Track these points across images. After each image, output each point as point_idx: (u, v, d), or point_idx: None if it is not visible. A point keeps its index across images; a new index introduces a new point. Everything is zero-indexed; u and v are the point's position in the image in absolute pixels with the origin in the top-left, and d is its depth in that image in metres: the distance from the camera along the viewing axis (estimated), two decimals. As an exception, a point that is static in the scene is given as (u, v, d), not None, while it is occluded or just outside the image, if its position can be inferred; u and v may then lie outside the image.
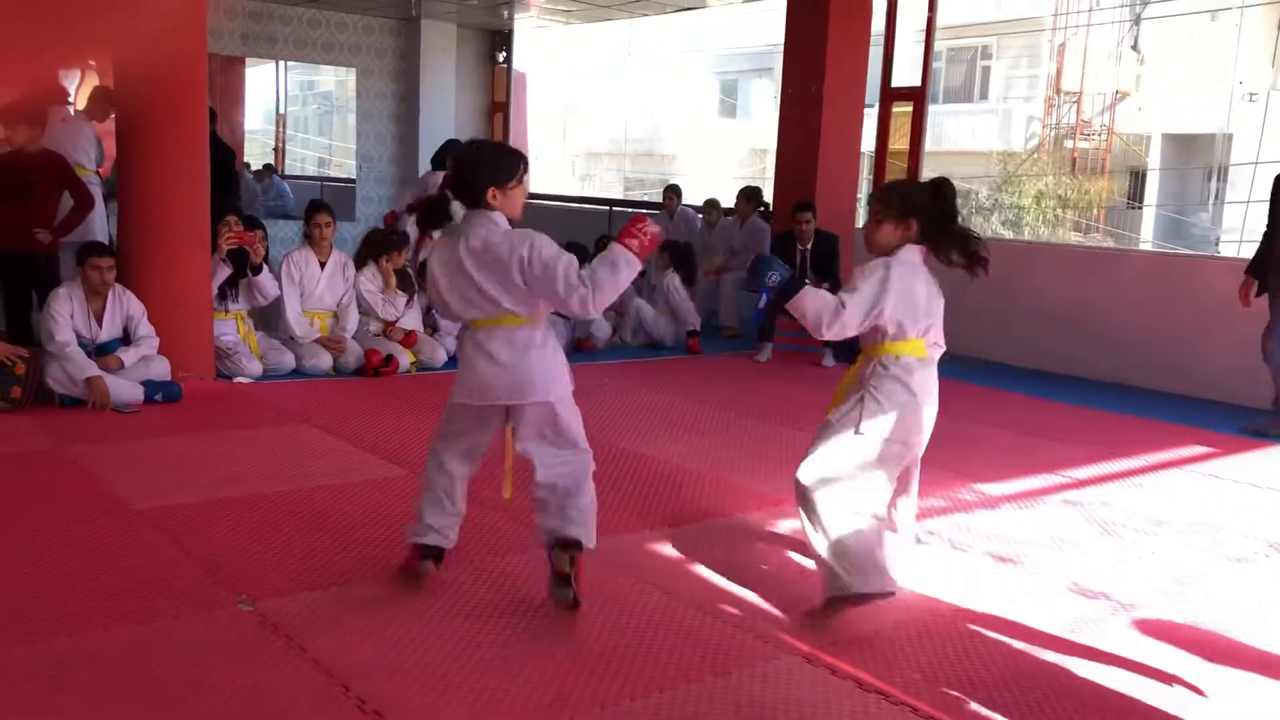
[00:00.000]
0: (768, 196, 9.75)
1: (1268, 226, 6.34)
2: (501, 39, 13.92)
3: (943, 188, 3.44)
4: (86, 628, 3.11)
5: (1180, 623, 3.55)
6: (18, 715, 2.62)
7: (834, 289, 8.49)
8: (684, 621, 3.36)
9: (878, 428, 3.42)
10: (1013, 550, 4.19)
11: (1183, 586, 3.89)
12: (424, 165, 13.06)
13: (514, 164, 3.32)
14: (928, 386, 3.53)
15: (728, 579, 3.75)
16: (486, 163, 3.30)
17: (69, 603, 3.27)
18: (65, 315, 5.69)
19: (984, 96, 24.47)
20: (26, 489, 4.38)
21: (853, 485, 3.41)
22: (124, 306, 5.93)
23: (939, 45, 9.40)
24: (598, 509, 3.49)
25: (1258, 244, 6.44)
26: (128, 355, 5.85)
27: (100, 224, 7.19)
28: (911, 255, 3.48)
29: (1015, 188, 21.94)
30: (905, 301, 3.42)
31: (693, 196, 10.71)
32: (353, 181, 13.41)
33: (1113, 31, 22.01)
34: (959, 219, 3.42)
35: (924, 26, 9.15)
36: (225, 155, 9.16)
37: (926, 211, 3.42)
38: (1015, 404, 7.01)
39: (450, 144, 9.48)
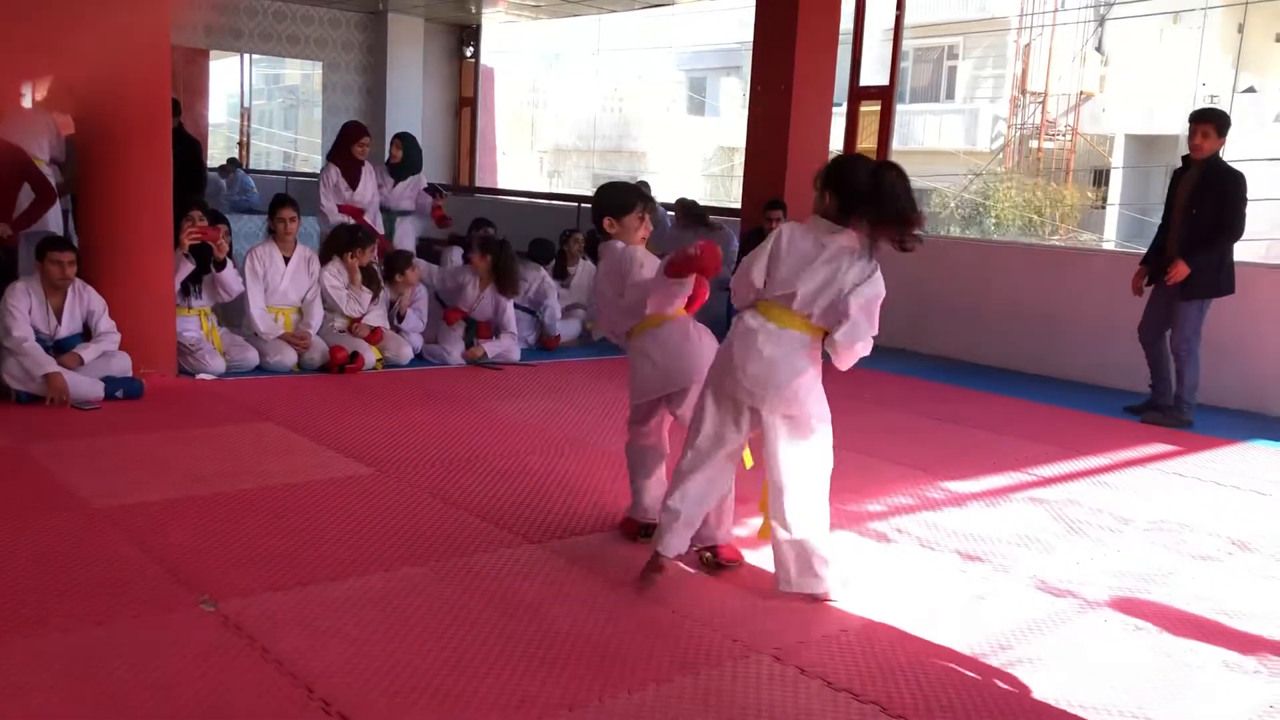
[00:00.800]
0: (736, 192, 9.75)
1: (1162, 220, 6.63)
2: (469, 33, 13.85)
3: (879, 172, 3.44)
4: (45, 630, 3.04)
5: (1147, 621, 3.58)
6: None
7: None
8: (652, 620, 3.35)
9: None
10: (980, 549, 4.20)
11: (1148, 584, 3.91)
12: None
13: (626, 201, 3.98)
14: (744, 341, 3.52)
15: (695, 578, 3.73)
16: (603, 199, 4.03)
17: (28, 604, 3.20)
18: (23, 310, 5.58)
19: (950, 96, 24.65)
20: (-18, 488, 4.29)
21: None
22: (84, 302, 5.83)
23: (906, 44, 9.43)
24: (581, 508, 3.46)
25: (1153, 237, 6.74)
26: (87, 351, 5.75)
27: (55, 217, 7.07)
28: (814, 222, 3.50)
29: (984, 189, 22.11)
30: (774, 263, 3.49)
31: (662, 194, 10.69)
32: (318, 176, 13.28)
33: (1077, 32, 22.23)
34: (898, 205, 3.41)
35: (892, 25, 9.19)
36: (191, 148, 9.02)
37: (851, 190, 3.43)
38: (983, 402, 7.05)
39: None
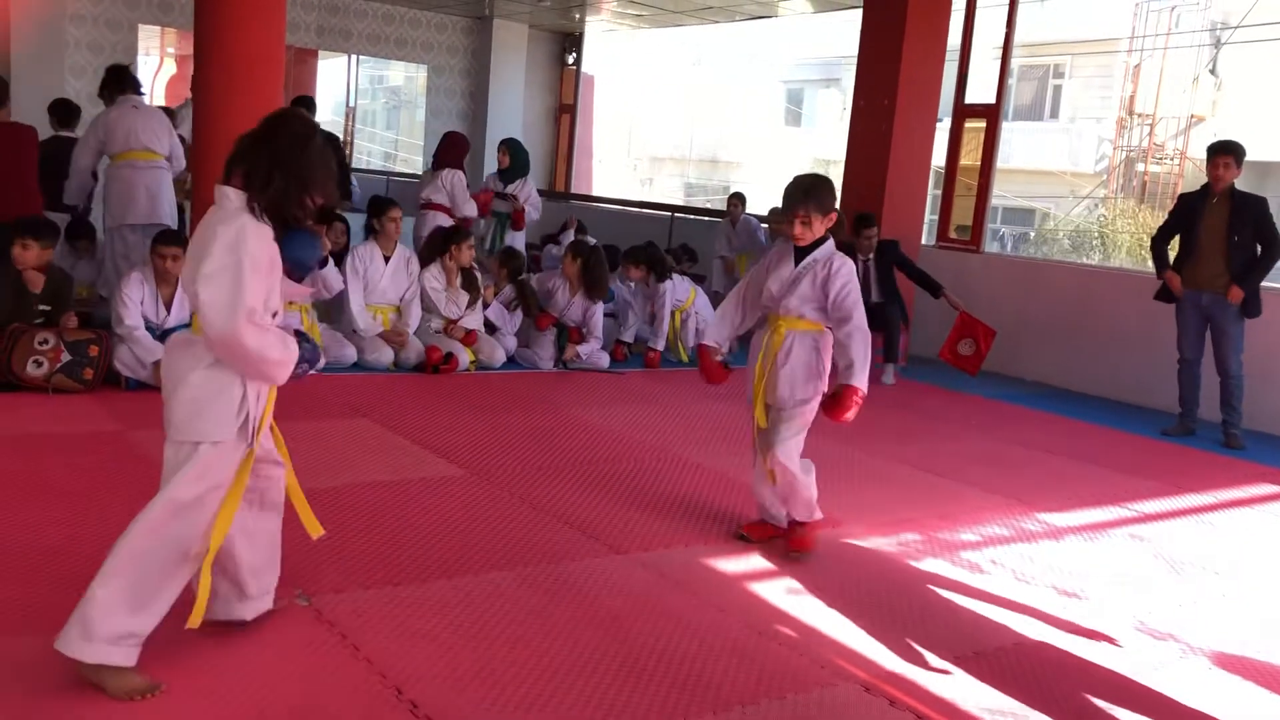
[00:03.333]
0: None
1: (1184, 245, 6.82)
2: (572, 41, 13.96)
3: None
4: (146, 614, 3.12)
5: (1257, 670, 3.44)
6: (78, 703, 2.63)
7: (894, 299, 8.39)
8: (739, 641, 3.31)
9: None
10: (1077, 584, 4.08)
11: (1256, 635, 3.76)
12: (490, 165, 13.15)
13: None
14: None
15: (783, 599, 3.69)
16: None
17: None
18: (135, 300, 5.77)
19: (1055, 116, 24.11)
20: (95, 473, 4.43)
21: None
22: (193, 293, 5.99)
23: (1012, 61, 9.23)
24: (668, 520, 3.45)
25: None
26: (193, 341, 5.91)
27: (171, 212, 7.31)
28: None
29: (1086, 211, 21.58)
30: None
31: (756, 205, 10.65)
32: (419, 177, 13.51)
33: (1191, 55, 21.58)
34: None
35: (1000, 43, 9.02)
36: (337, 148, 9.30)
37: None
38: (1080, 431, 6.86)
39: (506, 139, 9.40)
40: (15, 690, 2.66)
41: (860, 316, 3.96)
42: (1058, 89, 24.01)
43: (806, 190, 3.97)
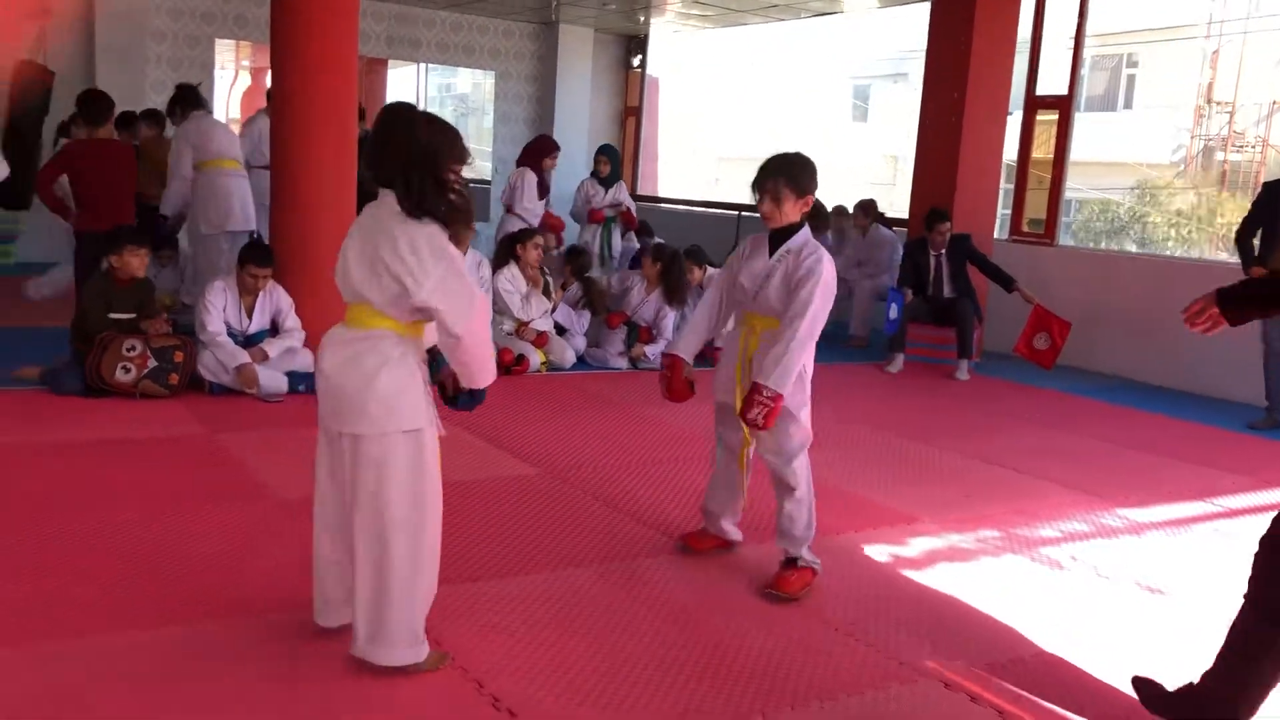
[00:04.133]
0: (903, 202, 9.58)
1: (1266, 235, 6.61)
2: (637, 43, 14.00)
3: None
4: (237, 612, 3.22)
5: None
6: (175, 684, 2.72)
7: (967, 293, 8.21)
8: (816, 638, 3.31)
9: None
10: (1161, 581, 4.01)
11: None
12: (558, 169, 13.23)
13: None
14: None
15: (859, 596, 3.68)
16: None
17: (230, 588, 3.39)
18: (218, 307, 5.92)
19: (1129, 106, 23.59)
20: (180, 474, 4.57)
21: None
22: (274, 300, 6.14)
23: (1083, 51, 9.06)
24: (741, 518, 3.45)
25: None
26: (273, 347, 6.06)
27: (248, 212, 7.46)
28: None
29: (1161, 202, 21.09)
30: None
31: (825, 201, 10.58)
32: (486, 182, 13.66)
33: (1273, 39, 20.97)
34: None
35: (1073, 33, 8.87)
36: None
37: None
38: (1160, 425, 6.72)
39: (602, 146, 9.70)
40: (116, 681, 2.76)
41: (807, 325, 3.48)
42: (1131, 78, 23.49)
43: (779, 164, 3.61)
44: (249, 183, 7.52)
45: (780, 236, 3.64)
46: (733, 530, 4.01)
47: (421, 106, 3.39)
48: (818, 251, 3.59)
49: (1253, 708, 2.73)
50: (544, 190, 8.92)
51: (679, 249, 7.91)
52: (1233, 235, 7.04)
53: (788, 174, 3.59)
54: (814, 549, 3.77)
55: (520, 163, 9.11)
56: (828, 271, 3.54)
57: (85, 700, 2.66)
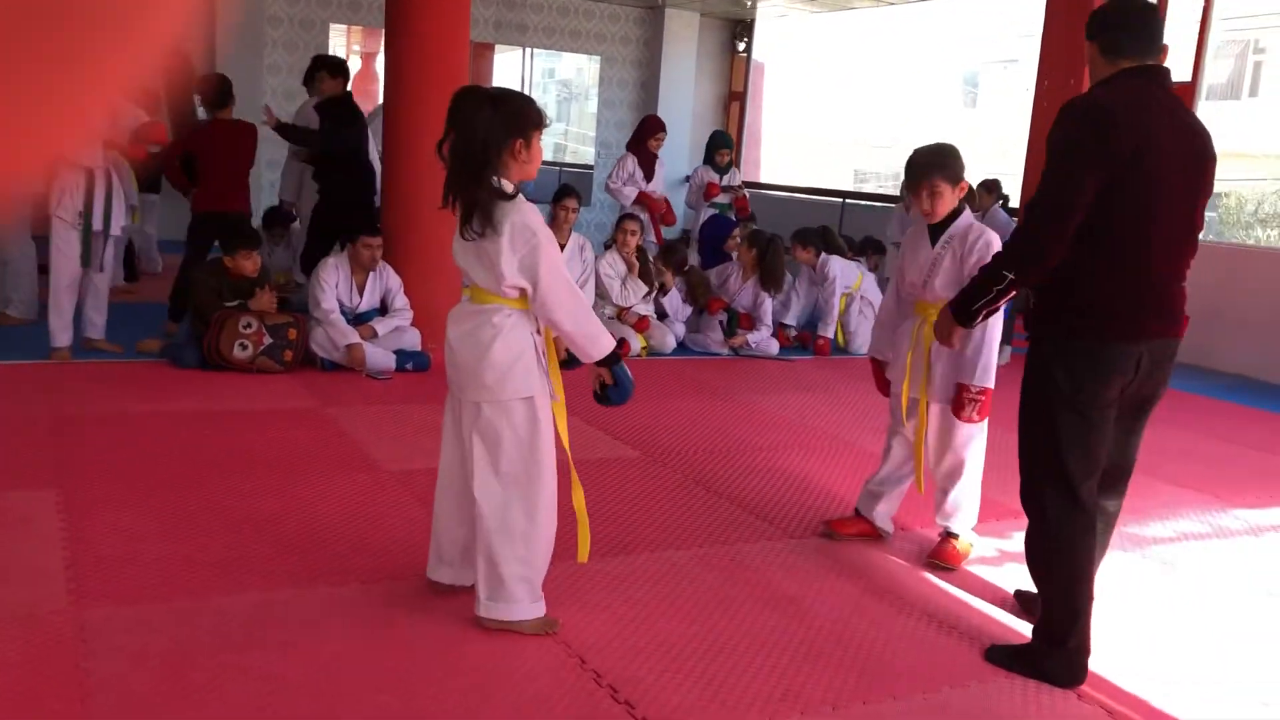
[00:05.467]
0: (1014, 191, 9.35)
1: None
2: (743, 28, 13.91)
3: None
4: (346, 579, 3.32)
5: None
6: (290, 643, 2.83)
7: None
8: (917, 631, 3.28)
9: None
10: (1279, 584, 3.87)
11: None
12: (661, 155, 13.25)
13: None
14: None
15: (962, 590, 3.63)
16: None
17: (333, 555, 3.50)
18: (332, 284, 6.09)
19: (1254, 94, 22.63)
20: (296, 445, 4.72)
21: None
22: (384, 280, 6.29)
23: (1209, 36, 8.72)
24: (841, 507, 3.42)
25: None
26: (381, 325, 6.21)
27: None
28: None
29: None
30: None
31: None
32: (589, 168, 13.74)
33: None
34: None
35: (1198, 17, 8.54)
36: None
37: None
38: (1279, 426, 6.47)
39: (717, 135, 9.66)
40: (237, 638, 2.87)
41: (996, 324, 3.60)
42: (1258, 65, 22.52)
43: (931, 159, 3.67)
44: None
45: (939, 226, 3.70)
46: (886, 521, 4.00)
47: (525, 90, 3.43)
48: (984, 232, 3.66)
49: None
50: (649, 173, 8.85)
51: (775, 234, 7.86)
52: None
53: (940, 167, 3.65)
54: (905, 541, 3.73)
55: (626, 146, 9.15)
56: (998, 247, 3.52)
57: (207, 659, 2.77)
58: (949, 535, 3.83)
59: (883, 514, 3.98)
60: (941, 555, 3.78)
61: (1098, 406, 2.88)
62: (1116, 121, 2.75)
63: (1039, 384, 2.95)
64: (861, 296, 8.09)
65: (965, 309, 3.09)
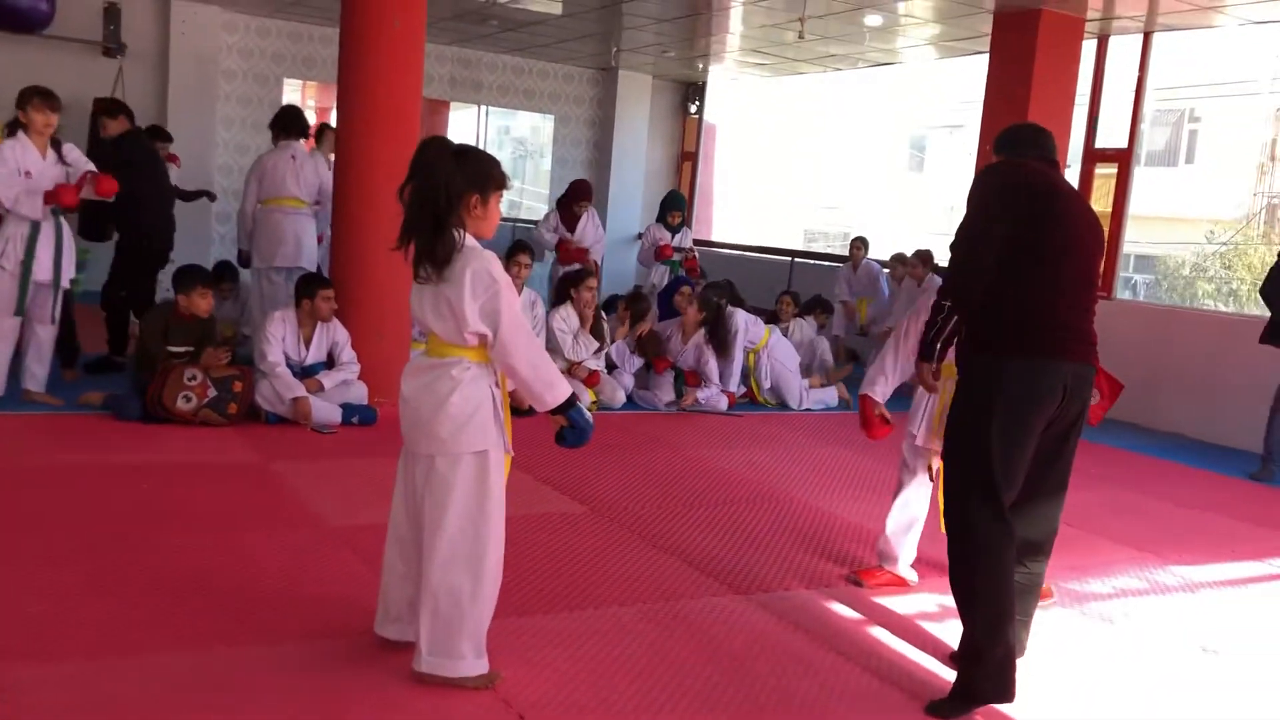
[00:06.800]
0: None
1: None
2: (694, 90, 14.15)
3: None
4: (284, 637, 3.27)
5: None
6: (222, 702, 2.77)
7: None
8: (861, 685, 3.29)
9: None
10: (1215, 641, 3.92)
11: None
12: (614, 212, 13.37)
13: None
14: None
15: (905, 645, 3.64)
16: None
17: (269, 613, 3.44)
18: (278, 337, 6.04)
19: (1190, 161, 23.34)
20: (237, 500, 4.65)
21: None
22: (331, 333, 6.26)
23: (1144, 105, 9.02)
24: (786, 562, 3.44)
25: None
26: (329, 378, 6.16)
27: (311, 254, 7.61)
28: None
29: (1228, 259, 20.78)
30: None
31: (878, 250, 10.58)
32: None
33: (1339, 96, 20.69)
34: None
35: (1134, 86, 8.84)
36: None
37: None
38: (1219, 484, 6.59)
39: (672, 196, 9.85)
40: (165, 697, 2.81)
41: None
42: (1193, 134, 23.26)
43: None
44: (312, 221, 7.63)
45: None
46: (909, 570, 4.24)
47: (481, 146, 3.47)
48: None
49: None
50: (571, 228, 9.21)
51: (724, 302, 7.90)
52: None
53: None
54: (851, 597, 3.76)
55: (557, 202, 9.63)
56: None
57: (132, 716, 2.70)
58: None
59: (906, 561, 4.23)
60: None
61: (1025, 425, 3.11)
62: (1020, 181, 3.18)
63: (970, 401, 3.18)
64: (769, 353, 8.09)
65: (925, 346, 3.44)
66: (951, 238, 3.22)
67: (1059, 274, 3.14)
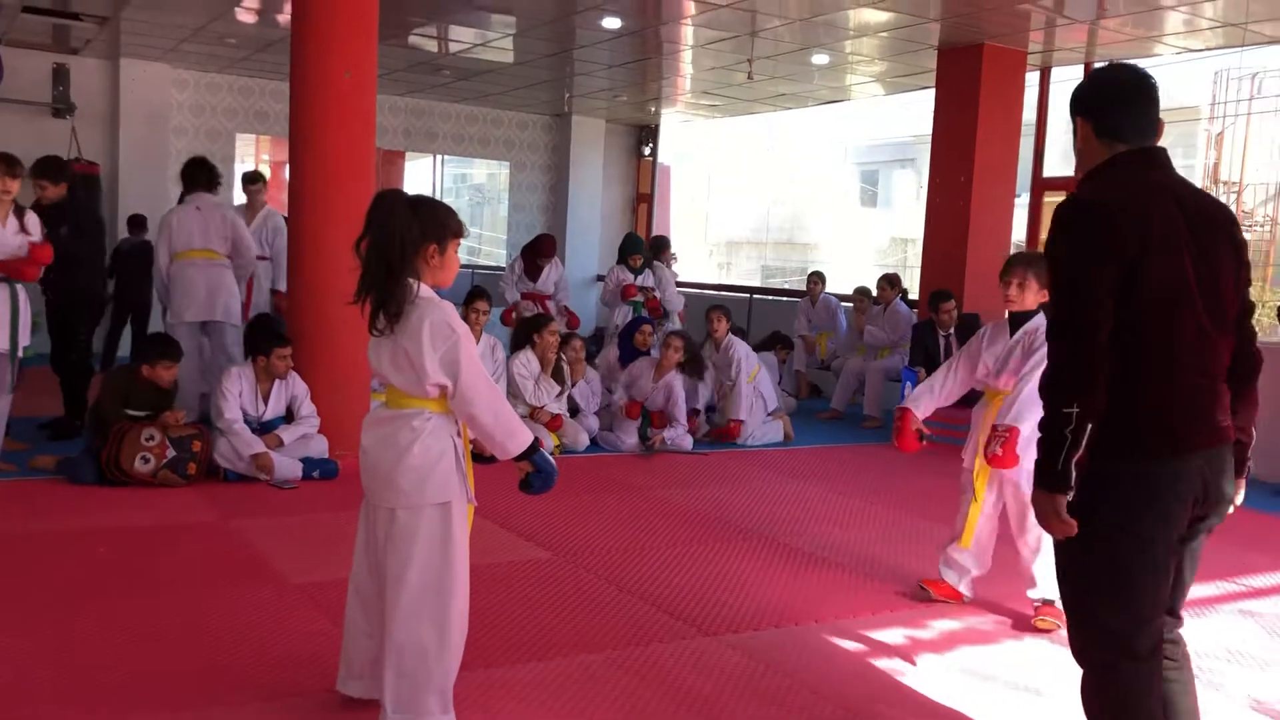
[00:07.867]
0: (913, 285, 9.66)
1: None
2: (648, 133, 14.28)
3: None
4: (249, 697, 3.20)
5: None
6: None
7: None
8: (833, 722, 3.27)
9: None
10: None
11: (1379, 711, 3.59)
12: (572, 255, 13.41)
13: None
14: None
15: (879, 680, 3.63)
16: None
17: (229, 673, 3.38)
18: (235, 394, 5.97)
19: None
20: (195, 560, 4.57)
21: None
22: (289, 387, 6.19)
23: (1092, 135, 9.19)
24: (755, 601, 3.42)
25: None
26: (287, 433, 6.09)
27: (229, 306, 7.29)
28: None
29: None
30: None
31: (835, 285, 10.67)
32: (501, 269, 13.81)
33: (1275, 120, 21.23)
34: None
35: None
36: None
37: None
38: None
39: (630, 238, 9.91)
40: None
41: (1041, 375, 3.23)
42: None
43: (1027, 259, 4.16)
44: (228, 272, 7.33)
45: (1019, 319, 4.20)
46: (967, 588, 4.42)
47: (438, 197, 3.47)
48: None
49: None
50: (534, 277, 9.31)
51: (697, 344, 8.01)
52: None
53: (1035, 266, 4.08)
54: (818, 634, 3.74)
55: (521, 251, 9.67)
56: None
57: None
58: (1046, 603, 4.14)
59: (966, 580, 4.41)
60: (1047, 613, 4.13)
61: (1159, 539, 2.45)
62: (1115, 222, 2.35)
63: (1082, 522, 2.38)
64: (755, 387, 8.15)
65: (1050, 473, 2.36)
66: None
67: (1170, 335, 2.37)
